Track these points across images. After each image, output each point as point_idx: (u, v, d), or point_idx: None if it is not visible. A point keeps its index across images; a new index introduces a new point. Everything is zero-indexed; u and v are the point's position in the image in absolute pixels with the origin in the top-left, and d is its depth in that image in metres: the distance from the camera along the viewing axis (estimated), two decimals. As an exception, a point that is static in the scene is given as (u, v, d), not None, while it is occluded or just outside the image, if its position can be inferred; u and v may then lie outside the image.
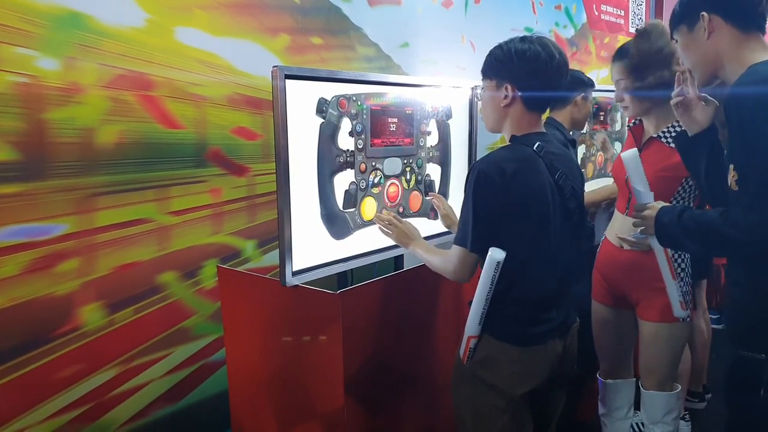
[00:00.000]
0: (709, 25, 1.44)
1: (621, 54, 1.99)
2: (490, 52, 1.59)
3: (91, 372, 1.90)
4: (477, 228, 1.49)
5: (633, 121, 2.10)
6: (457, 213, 1.91)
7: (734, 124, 1.33)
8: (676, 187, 1.91)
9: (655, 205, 1.57)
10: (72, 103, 1.77)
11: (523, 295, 1.55)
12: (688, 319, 1.97)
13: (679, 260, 1.94)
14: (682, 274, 1.95)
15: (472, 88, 2.23)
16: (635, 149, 1.72)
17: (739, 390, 1.51)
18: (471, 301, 1.55)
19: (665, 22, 1.76)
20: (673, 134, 1.91)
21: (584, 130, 2.90)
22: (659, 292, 1.93)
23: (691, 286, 1.99)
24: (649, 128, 2.00)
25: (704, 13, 1.44)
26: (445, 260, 1.59)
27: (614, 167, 2.20)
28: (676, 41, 1.56)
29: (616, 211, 2.11)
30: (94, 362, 1.90)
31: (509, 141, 1.59)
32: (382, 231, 1.88)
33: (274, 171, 1.62)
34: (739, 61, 1.42)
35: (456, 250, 1.55)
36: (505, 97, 1.55)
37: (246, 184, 2.26)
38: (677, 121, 1.89)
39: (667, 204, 1.58)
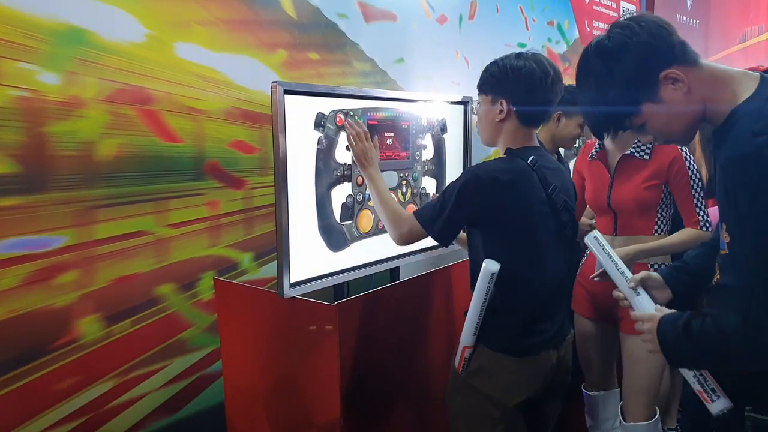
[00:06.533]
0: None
1: None
2: (486, 68, 1.62)
3: (88, 384, 1.90)
4: (449, 221, 1.55)
5: (594, 149, 2.14)
6: None
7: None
8: (659, 195, 1.98)
9: (653, 316, 1.25)
10: (72, 116, 1.79)
11: (516, 306, 1.57)
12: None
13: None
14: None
15: (468, 102, 2.26)
16: (594, 231, 1.54)
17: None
18: (467, 311, 1.57)
19: None
20: (642, 147, 1.99)
21: (576, 144, 2.93)
22: None
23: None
24: (616, 150, 2.06)
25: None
26: (399, 221, 1.63)
27: None
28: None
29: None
30: (92, 374, 1.91)
31: (504, 154, 1.62)
32: (348, 140, 1.78)
33: (271, 184, 1.65)
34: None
35: (415, 223, 1.59)
36: (500, 112, 1.58)
37: (243, 197, 2.28)
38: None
39: (665, 313, 1.25)
